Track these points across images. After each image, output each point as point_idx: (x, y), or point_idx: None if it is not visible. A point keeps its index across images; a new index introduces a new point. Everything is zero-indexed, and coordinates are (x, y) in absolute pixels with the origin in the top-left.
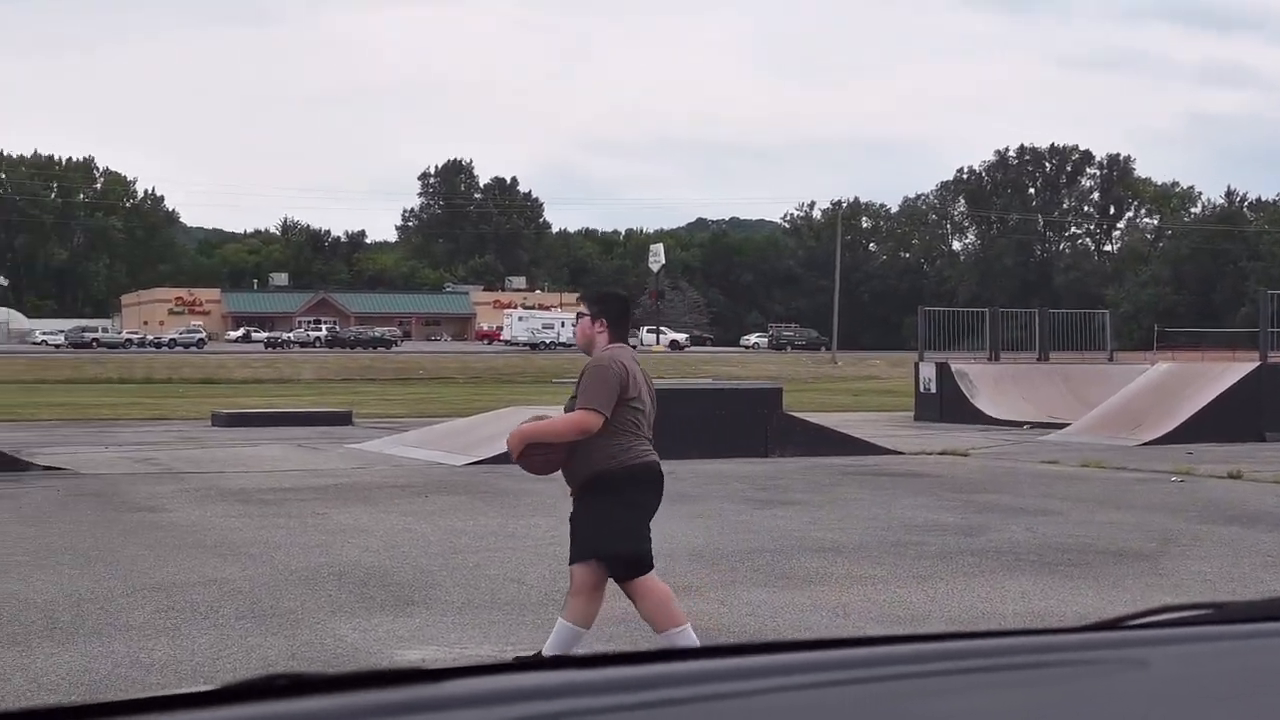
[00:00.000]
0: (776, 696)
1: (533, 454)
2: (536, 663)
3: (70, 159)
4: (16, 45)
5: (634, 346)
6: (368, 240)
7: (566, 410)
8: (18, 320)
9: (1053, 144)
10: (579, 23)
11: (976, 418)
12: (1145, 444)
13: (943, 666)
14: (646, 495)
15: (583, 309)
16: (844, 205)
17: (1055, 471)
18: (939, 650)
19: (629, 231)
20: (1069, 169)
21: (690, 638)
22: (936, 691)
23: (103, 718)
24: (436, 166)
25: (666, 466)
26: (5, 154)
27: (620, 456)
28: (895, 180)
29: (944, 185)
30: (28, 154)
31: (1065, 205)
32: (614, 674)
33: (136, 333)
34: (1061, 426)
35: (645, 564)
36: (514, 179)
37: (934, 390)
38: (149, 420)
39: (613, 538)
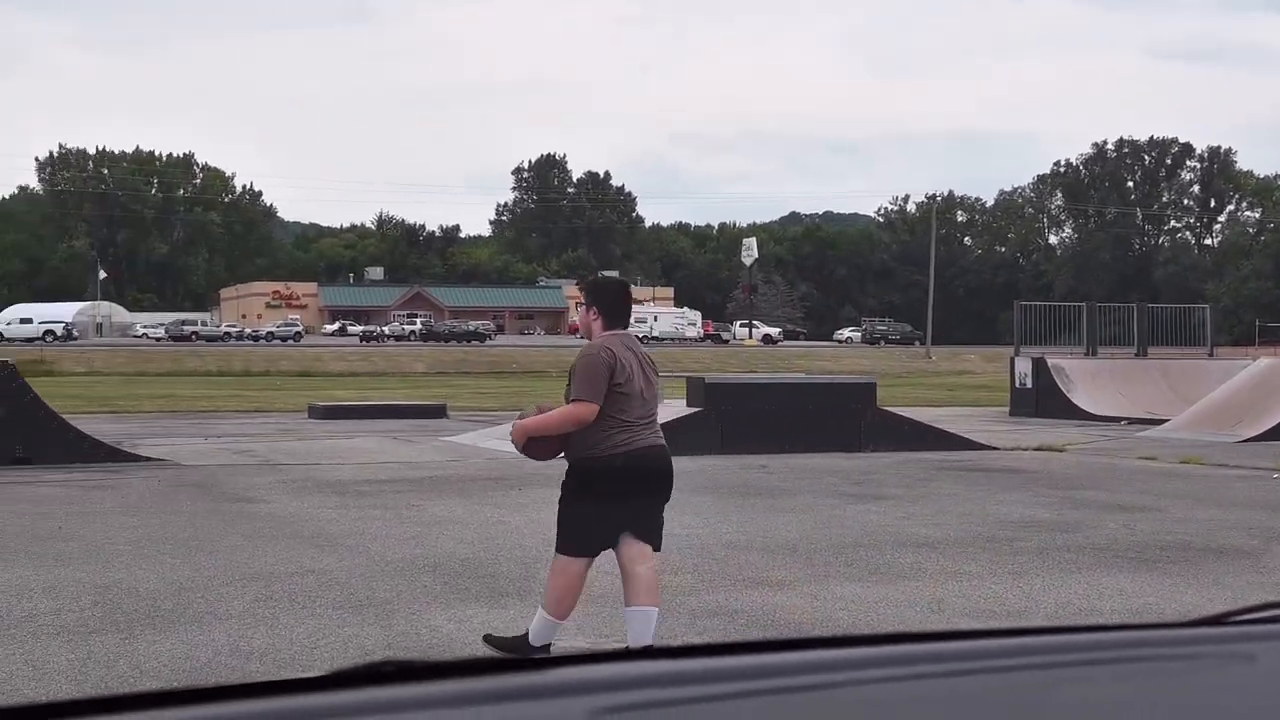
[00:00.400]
0: (888, 687)
1: (533, 445)
2: (640, 652)
3: (171, 155)
4: (119, 42)
5: (725, 341)
6: (462, 234)
7: (566, 399)
8: (119, 314)
9: (1151, 136)
10: (673, 17)
11: (1072, 413)
12: (1246, 440)
13: (1047, 660)
14: (629, 483)
15: (581, 298)
16: (938, 199)
17: (1154, 468)
18: (1043, 644)
19: (722, 225)
20: (1168, 162)
21: (548, 634)
22: (1043, 685)
23: (219, 701)
24: (530, 161)
25: (759, 460)
26: (108, 150)
27: (596, 449)
28: (991, 173)
29: (1040, 178)
30: (129, 150)
31: (1165, 199)
32: (717, 664)
33: (234, 326)
34: (1160, 422)
35: (583, 548)
36: (607, 173)
37: (1029, 385)
38: (247, 413)
39: (561, 517)
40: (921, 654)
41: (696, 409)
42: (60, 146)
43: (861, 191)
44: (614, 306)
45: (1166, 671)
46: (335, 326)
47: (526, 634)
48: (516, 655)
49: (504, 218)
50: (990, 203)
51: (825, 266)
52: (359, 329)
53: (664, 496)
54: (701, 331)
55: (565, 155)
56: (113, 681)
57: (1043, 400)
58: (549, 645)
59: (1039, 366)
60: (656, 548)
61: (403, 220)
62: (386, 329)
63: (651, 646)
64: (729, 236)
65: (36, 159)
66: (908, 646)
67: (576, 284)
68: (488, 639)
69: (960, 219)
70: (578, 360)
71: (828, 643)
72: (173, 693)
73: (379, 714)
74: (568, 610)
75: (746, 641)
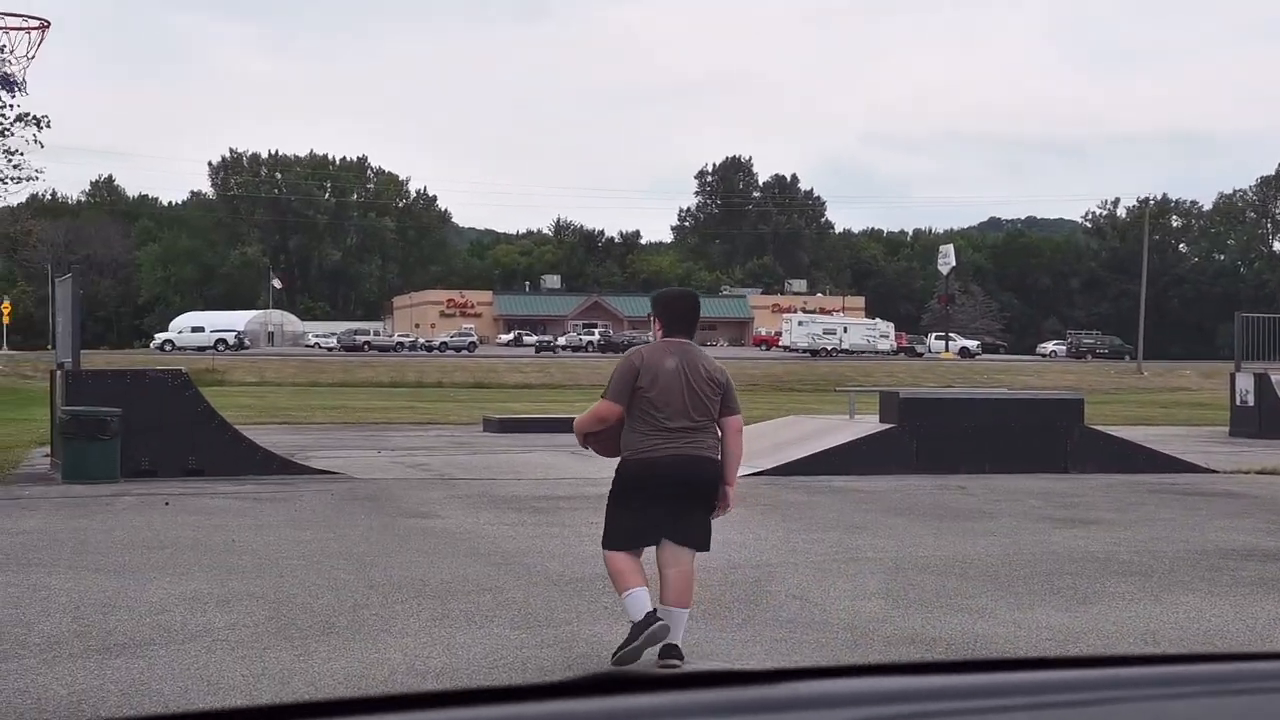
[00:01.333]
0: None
1: (590, 441)
2: (873, 668)
3: (344, 158)
4: (291, 44)
5: (919, 354)
6: (642, 241)
7: None
8: (291, 323)
9: None
10: (863, 11)
11: None
12: None
13: (1266, 686)
14: (644, 485)
15: (651, 309)
16: (1151, 202)
17: None
18: (1262, 670)
19: (916, 231)
20: None
21: (640, 604)
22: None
23: (440, 708)
24: (714, 164)
25: (956, 480)
26: (281, 154)
27: (630, 451)
28: (1209, 175)
29: (1264, 180)
30: (302, 154)
31: None
32: (954, 681)
33: (408, 335)
34: None
35: (609, 543)
36: (794, 176)
37: (1252, 403)
38: (420, 424)
39: (608, 519)
40: (1165, 676)
41: (890, 425)
42: (232, 151)
43: (1067, 195)
44: (673, 317)
45: None
46: (510, 336)
47: (632, 626)
48: (639, 634)
49: (686, 223)
50: (1208, 206)
51: (1028, 275)
52: (534, 339)
53: (695, 503)
54: (894, 344)
55: (751, 157)
56: (287, 699)
57: (1267, 420)
58: (654, 610)
59: (1262, 383)
60: (697, 548)
61: (581, 226)
62: (563, 339)
63: (886, 663)
64: (924, 243)
65: (209, 164)
66: (1155, 669)
67: (651, 296)
68: (616, 660)
69: (1175, 224)
70: (618, 364)
71: (1082, 663)
72: (405, 696)
73: None
74: (632, 582)
75: (968, 661)
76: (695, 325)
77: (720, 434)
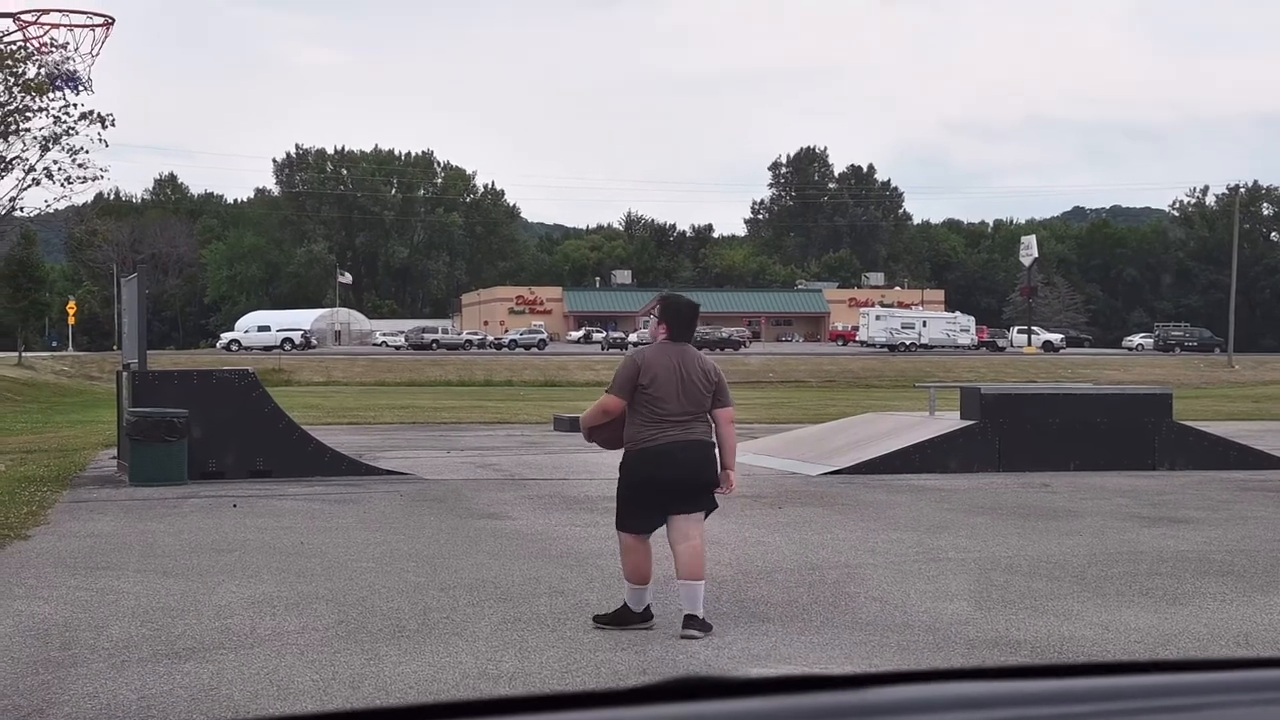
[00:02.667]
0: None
1: (595, 435)
2: (956, 673)
3: (410, 153)
4: (355, 39)
5: (1001, 348)
6: (714, 235)
7: None
8: (359, 321)
9: None
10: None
11: None
12: None
13: None
14: (650, 472)
15: (655, 311)
16: (1243, 190)
17: None
18: None
19: (997, 222)
20: None
21: (640, 598)
22: None
23: (514, 714)
24: (788, 155)
25: (1040, 477)
26: (346, 150)
27: (632, 441)
28: None
29: None
30: (368, 149)
31: None
32: (1040, 686)
33: (476, 333)
34: None
35: (623, 525)
36: (870, 167)
37: None
38: (490, 424)
39: (619, 504)
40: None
41: (971, 422)
42: (298, 147)
43: (1154, 183)
44: (680, 324)
45: None
46: (580, 333)
47: (625, 605)
48: (622, 623)
49: (760, 216)
50: None
51: (1113, 266)
52: (602, 335)
53: (696, 485)
54: (975, 338)
55: (826, 148)
56: (358, 704)
57: None
58: (648, 608)
59: None
60: (708, 512)
61: (652, 220)
62: (634, 336)
63: (970, 668)
64: (1005, 234)
65: (274, 160)
66: (1250, 673)
67: (657, 298)
68: (596, 619)
69: (1267, 212)
70: (622, 361)
71: (1166, 667)
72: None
73: None
74: (643, 576)
75: (1055, 665)
76: (694, 331)
77: (714, 424)
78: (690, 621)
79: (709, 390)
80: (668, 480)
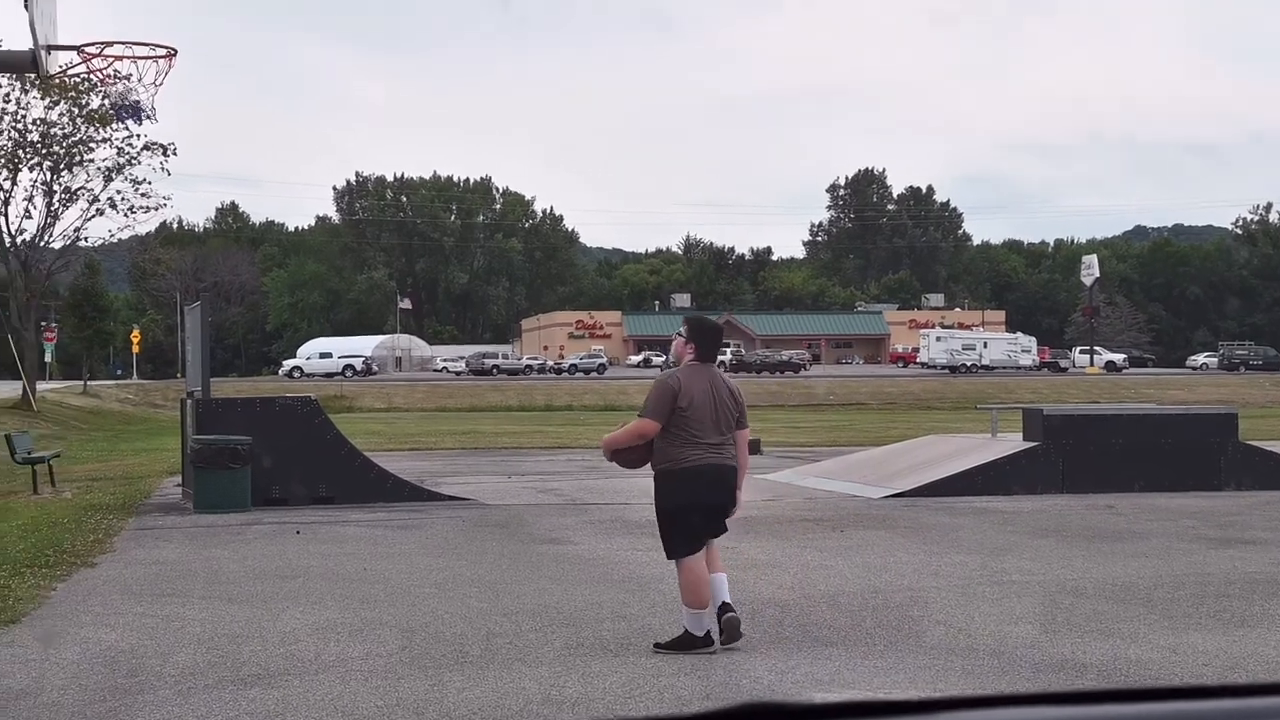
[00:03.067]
0: None
1: (619, 456)
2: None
3: (469, 180)
4: (415, 69)
5: (1063, 369)
6: (774, 257)
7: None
8: (419, 347)
9: None
10: (993, 16)
11: None
12: None
13: None
14: (697, 492)
15: (682, 331)
16: None
17: None
18: None
19: (1058, 242)
20: None
21: (701, 622)
22: None
23: None
24: (846, 177)
25: (1104, 499)
26: (406, 177)
27: (669, 461)
28: None
29: None
30: (427, 176)
31: None
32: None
33: (536, 358)
34: None
35: (686, 550)
36: (930, 188)
37: None
38: (550, 449)
39: (662, 527)
40: None
41: (1033, 443)
42: (357, 175)
43: (1216, 201)
44: (707, 345)
45: None
46: (640, 357)
47: (686, 631)
48: (686, 649)
49: (819, 238)
50: None
51: (1175, 285)
52: (659, 360)
53: (725, 509)
54: (1037, 359)
55: (884, 169)
56: None
57: None
58: (709, 633)
59: None
60: (719, 534)
61: (710, 243)
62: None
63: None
64: (1066, 254)
65: (334, 188)
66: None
67: (684, 320)
68: (657, 646)
69: None
70: (653, 385)
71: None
72: None
73: None
74: (705, 599)
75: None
76: (719, 353)
77: (734, 445)
78: (728, 607)
79: (737, 411)
80: (711, 504)
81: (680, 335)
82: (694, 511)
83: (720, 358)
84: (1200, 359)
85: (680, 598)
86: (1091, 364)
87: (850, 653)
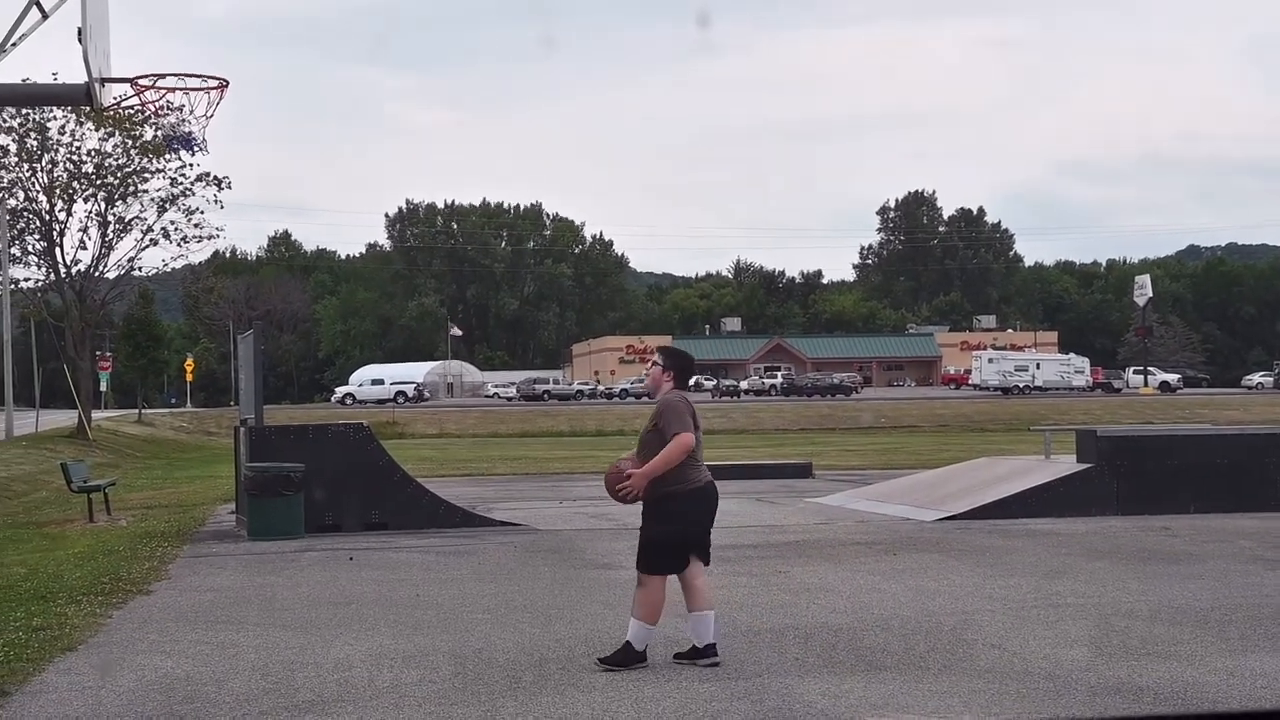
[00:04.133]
0: None
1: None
2: None
3: (519, 206)
4: (464, 96)
5: (1116, 389)
6: (824, 280)
7: (641, 445)
8: (471, 373)
9: None
10: (1042, 37)
11: None
12: None
13: None
14: (704, 510)
15: (657, 360)
16: None
17: None
18: None
19: (1110, 262)
20: None
21: (648, 637)
22: None
23: None
24: (896, 200)
25: (1159, 521)
26: (456, 204)
27: (679, 483)
28: None
29: None
30: (477, 203)
31: None
32: None
33: (587, 383)
34: None
35: (672, 565)
36: (980, 209)
37: None
38: (602, 474)
39: (656, 545)
40: None
41: (1087, 465)
42: (408, 202)
43: (1271, 220)
44: (684, 372)
45: None
46: (690, 382)
47: (629, 643)
48: (627, 664)
49: (869, 261)
50: None
51: (1230, 305)
52: (709, 383)
53: (713, 522)
54: (1090, 379)
55: (934, 191)
56: None
57: None
58: (647, 649)
59: None
60: (708, 563)
61: (760, 267)
62: (744, 383)
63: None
64: (1119, 274)
65: (386, 215)
66: None
67: (658, 350)
68: (601, 660)
69: None
70: (663, 408)
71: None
72: None
73: None
74: (658, 618)
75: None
76: (691, 380)
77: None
78: (712, 649)
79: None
80: (706, 518)
81: (657, 364)
82: (695, 531)
83: (771, 381)
84: (1256, 378)
85: (635, 610)
86: (1145, 384)
87: (903, 676)
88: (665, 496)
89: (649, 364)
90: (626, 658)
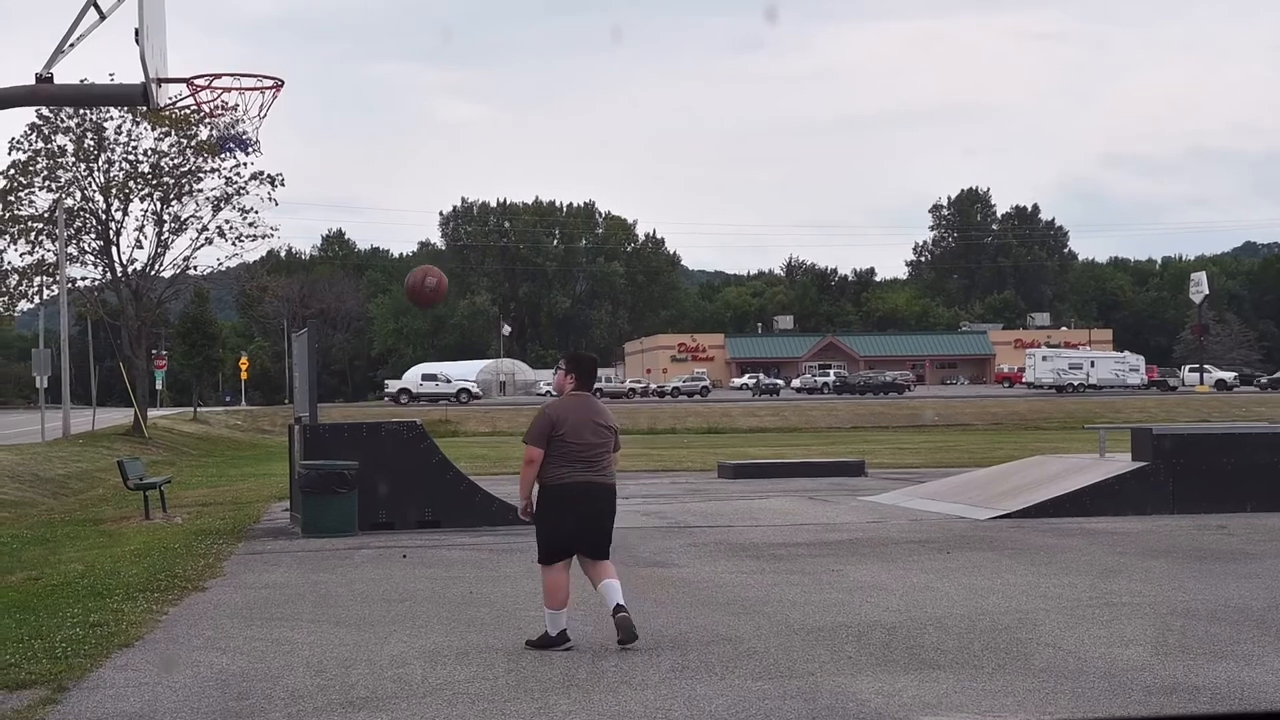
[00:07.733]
0: None
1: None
2: None
3: (571, 204)
4: (517, 95)
5: (1172, 387)
6: (877, 278)
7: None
8: (523, 371)
9: None
10: (1095, 29)
11: None
12: None
13: None
14: (564, 506)
15: (561, 364)
16: None
17: None
18: None
19: (1166, 260)
20: None
21: (557, 622)
22: None
23: None
24: (949, 197)
25: (1215, 519)
26: (509, 202)
27: (545, 479)
28: None
29: None
30: (530, 201)
31: None
32: None
33: (639, 381)
34: None
35: (547, 558)
36: (1034, 206)
37: None
38: (653, 472)
39: (537, 537)
40: None
41: (1142, 463)
42: (462, 201)
43: None
44: (584, 375)
45: None
46: (743, 380)
47: (546, 633)
48: (546, 646)
49: (923, 258)
50: None
51: None
52: (751, 380)
53: (602, 520)
54: (1145, 378)
55: (988, 189)
56: None
57: None
58: (564, 631)
59: None
60: (602, 559)
61: (813, 265)
62: (796, 381)
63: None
64: (1174, 271)
65: (440, 214)
66: None
67: (562, 355)
68: (529, 643)
69: None
70: (535, 415)
71: None
72: None
73: None
74: (561, 602)
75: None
76: (595, 382)
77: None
78: (621, 608)
79: (610, 435)
80: (580, 517)
81: (561, 368)
82: (561, 524)
83: (823, 379)
84: None
85: (544, 600)
86: (1201, 382)
87: (958, 675)
88: (539, 489)
89: (555, 367)
90: (545, 642)
